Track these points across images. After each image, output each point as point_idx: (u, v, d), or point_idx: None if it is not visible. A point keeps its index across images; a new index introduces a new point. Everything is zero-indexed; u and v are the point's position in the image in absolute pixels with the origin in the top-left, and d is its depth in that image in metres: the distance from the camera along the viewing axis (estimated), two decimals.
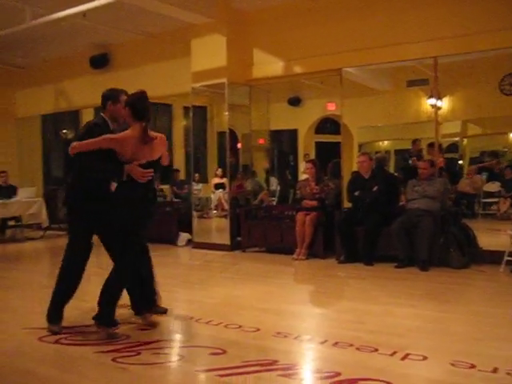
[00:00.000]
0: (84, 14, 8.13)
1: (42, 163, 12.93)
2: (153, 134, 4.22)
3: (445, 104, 8.94)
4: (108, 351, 3.73)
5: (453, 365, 3.32)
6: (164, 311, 4.63)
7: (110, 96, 4.42)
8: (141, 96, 4.19)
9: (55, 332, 4.18)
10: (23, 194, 10.33)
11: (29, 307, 5.13)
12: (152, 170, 4.17)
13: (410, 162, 8.72)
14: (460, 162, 9.81)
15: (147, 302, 4.47)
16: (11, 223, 10.74)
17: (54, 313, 4.30)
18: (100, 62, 10.76)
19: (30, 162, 12.93)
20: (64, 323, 4.30)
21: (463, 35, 6.87)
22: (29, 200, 10.31)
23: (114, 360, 3.55)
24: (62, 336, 4.10)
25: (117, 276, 4.14)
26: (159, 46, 9.95)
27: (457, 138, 9.83)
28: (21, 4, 8.17)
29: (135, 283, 4.38)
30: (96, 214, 4.22)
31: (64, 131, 13.50)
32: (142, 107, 4.14)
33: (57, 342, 4.00)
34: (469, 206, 9.23)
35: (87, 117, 13.08)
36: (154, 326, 4.35)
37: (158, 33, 9.86)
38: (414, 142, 8.93)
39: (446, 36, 7.01)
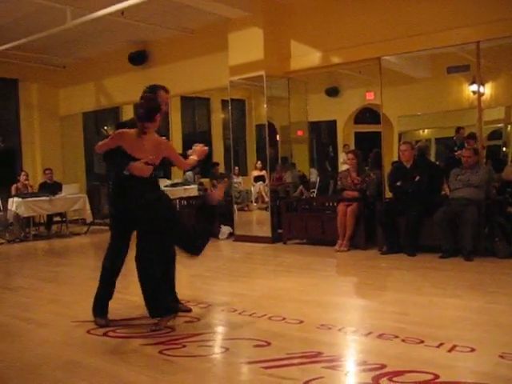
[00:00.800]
0: (122, 12, 8.27)
1: (85, 160, 13.20)
2: (154, 137, 4.20)
3: (487, 90, 8.73)
4: (154, 344, 3.80)
5: (502, 357, 3.26)
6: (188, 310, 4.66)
7: (149, 93, 4.46)
8: (142, 99, 4.25)
9: (102, 325, 4.28)
10: (68, 191, 10.56)
11: (77, 300, 5.26)
12: (151, 168, 4.15)
13: (456, 154, 8.38)
14: (504, 149, 9.57)
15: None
16: (56, 219, 11.00)
17: (99, 306, 4.40)
18: (139, 58, 10.92)
19: (73, 158, 13.22)
20: (112, 316, 4.40)
21: (506, 19, 6.69)
22: (73, 196, 10.54)
23: (160, 352, 3.61)
24: (110, 329, 4.19)
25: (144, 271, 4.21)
26: (196, 41, 10.03)
27: (500, 125, 9.59)
28: (62, 5, 8.34)
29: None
30: (126, 212, 4.26)
31: (105, 128, 13.76)
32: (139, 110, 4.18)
33: (105, 334, 4.10)
34: None
35: (127, 113, 13.34)
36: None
37: (195, 28, 9.94)
38: (458, 130, 8.68)
39: (487, 20, 6.83)
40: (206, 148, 4.59)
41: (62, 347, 3.90)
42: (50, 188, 10.56)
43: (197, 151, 4.52)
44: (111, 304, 4.42)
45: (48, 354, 3.76)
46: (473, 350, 3.40)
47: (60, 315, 4.76)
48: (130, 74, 11.10)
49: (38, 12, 8.85)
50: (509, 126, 9.67)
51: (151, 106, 4.18)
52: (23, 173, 10.97)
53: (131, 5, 7.78)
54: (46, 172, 11.14)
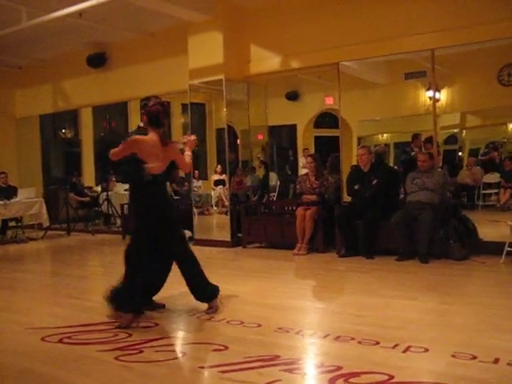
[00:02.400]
0: (80, 13, 8.13)
1: (42, 163, 12.91)
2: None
3: (443, 96, 8.94)
4: (111, 350, 3.74)
5: (454, 356, 3.34)
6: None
7: (142, 106, 4.65)
8: (154, 105, 4.40)
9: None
10: (23, 195, 10.33)
11: (32, 307, 5.14)
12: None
13: (413, 153, 8.55)
14: (459, 153, 9.81)
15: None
16: (12, 224, 10.74)
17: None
18: (97, 60, 10.74)
19: (29, 162, 12.91)
20: (67, 322, 4.33)
21: (460, 27, 6.85)
22: (29, 200, 10.32)
23: (116, 358, 3.56)
24: (65, 335, 4.11)
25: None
26: (156, 44, 9.94)
27: (456, 130, 9.82)
28: (16, 4, 8.15)
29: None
30: None
31: (63, 131, 13.52)
32: (156, 116, 4.38)
33: (60, 341, 4.01)
34: (469, 197, 9.23)
35: (85, 117, 13.15)
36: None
37: (154, 31, 9.86)
38: (416, 136, 8.77)
39: (443, 28, 7.00)
40: (194, 137, 4.69)
41: (15, 355, 3.80)
42: (4, 192, 10.28)
43: (188, 143, 4.61)
44: (67, 310, 4.34)
45: (1, 362, 3.67)
46: (426, 350, 3.48)
47: (14, 322, 4.64)
48: (89, 76, 10.94)
49: None
50: (464, 132, 9.92)
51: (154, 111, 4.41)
52: None
53: (89, 6, 7.65)
54: (1, 176, 10.82)
